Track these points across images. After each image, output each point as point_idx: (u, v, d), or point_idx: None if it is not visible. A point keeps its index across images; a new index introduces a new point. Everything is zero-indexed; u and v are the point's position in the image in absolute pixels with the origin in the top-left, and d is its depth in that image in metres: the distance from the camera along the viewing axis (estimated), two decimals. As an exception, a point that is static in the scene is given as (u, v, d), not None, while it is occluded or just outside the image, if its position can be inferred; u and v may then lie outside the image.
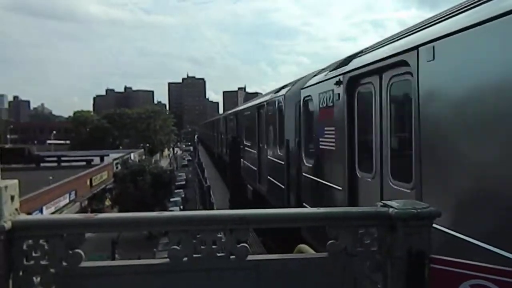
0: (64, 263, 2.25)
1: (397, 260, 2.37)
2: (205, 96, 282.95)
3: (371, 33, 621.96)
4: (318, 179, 7.27)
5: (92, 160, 57.46)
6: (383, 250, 2.45)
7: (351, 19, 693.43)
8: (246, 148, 16.72)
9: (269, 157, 12.47)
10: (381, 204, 2.53)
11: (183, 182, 59.79)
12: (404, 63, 4.34)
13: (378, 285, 2.49)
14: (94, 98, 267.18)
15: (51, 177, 38.09)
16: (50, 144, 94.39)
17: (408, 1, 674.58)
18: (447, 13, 3.98)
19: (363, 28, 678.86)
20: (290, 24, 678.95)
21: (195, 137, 77.50)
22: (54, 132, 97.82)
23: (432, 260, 2.25)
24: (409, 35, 4.53)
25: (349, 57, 6.59)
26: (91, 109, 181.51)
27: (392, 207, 2.42)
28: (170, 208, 37.92)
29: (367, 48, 5.98)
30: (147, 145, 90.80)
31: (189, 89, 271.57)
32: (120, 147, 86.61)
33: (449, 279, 2.16)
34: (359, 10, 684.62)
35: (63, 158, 61.64)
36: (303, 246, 3.97)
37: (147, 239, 33.45)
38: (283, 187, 10.69)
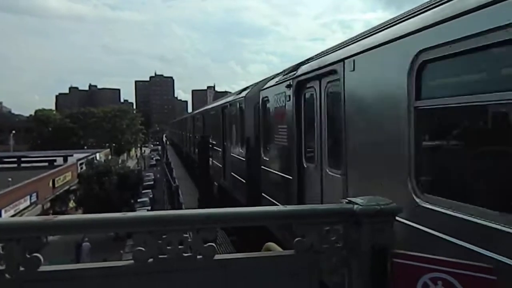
0: (22, 268, 2.15)
1: (362, 255, 2.42)
2: (174, 95, 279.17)
3: (339, 34, 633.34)
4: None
5: (55, 160, 55.58)
6: (348, 246, 2.49)
7: (320, 19, 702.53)
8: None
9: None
10: (346, 201, 2.58)
11: (151, 182, 58.82)
12: (335, 72, 5.28)
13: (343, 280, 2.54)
14: (57, 96, 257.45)
15: (10, 179, 36.58)
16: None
17: (375, 3, 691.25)
18: (364, 34, 4.92)
19: (332, 29, 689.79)
20: (260, 23, 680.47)
21: (164, 136, 76.40)
22: (14, 131, 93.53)
23: (394, 255, 2.31)
24: (340, 49, 5.46)
25: (297, 64, 7.49)
26: (53, 107, 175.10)
27: (356, 203, 2.47)
28: (138, 209, 37.23)
29: (311, 58, 6.92)
30: (114, 144, 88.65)
31: (157, 88, 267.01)
32: (85, 147, 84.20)
33: (409, 273, 2.22)
34: (328, 11, 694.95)
35: (23, 159, 59.28)
36: (270, 244, 3.98)
37: (113, 241, 32.70)
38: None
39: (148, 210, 37.01)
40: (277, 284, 2.47)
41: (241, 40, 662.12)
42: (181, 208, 16.58)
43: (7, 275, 2.12)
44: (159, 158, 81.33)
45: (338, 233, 2.51)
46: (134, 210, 35.19)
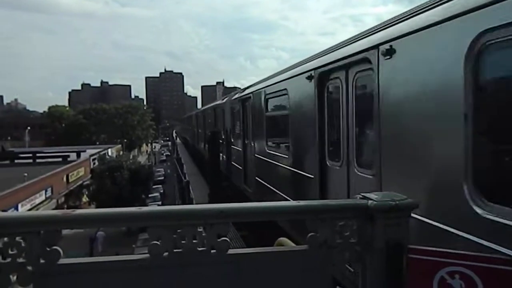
0: (42, 261, 2.20)
1: (376, 251, 2.41)
2: (183, 91, 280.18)
3: (350, 27, 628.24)
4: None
5: (68, 156, 56.30)
6: (362, 241, 2.49)
7: (329, 13, 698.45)
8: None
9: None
10: (360, 196, 2.57)
11: (162, 178, 59.20)
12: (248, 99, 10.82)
13: (357, 276, 2.54)
14: (70, 93, 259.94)
15: (26, 174, 37.18)
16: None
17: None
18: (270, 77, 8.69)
19: (342, 23, 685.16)
20: (269, 18, 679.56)
21: (174, 132, 76.79)
22: (29, 127, 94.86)
23: (409, 250, 2.31)
24: (249, 88, 10.79)
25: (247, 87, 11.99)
26: (66, 104, 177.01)
27: (371, 199, 2.46)
28: (149, 204, 37.55)
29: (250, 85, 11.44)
30: (125, 140, 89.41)
31: (167, 84, 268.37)
32: (97, 143, 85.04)
33: (426, 267, 2.22)
34: (338, 5, 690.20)
35: (38, 155, 60.16)
36: (283, 240, 3.99)
37: (125, 235, 33.07)
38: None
39: (159, 205, 37.32)
40: (290, 280, 2.48)
41: (250, 35, 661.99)
42: (192, 203, 16.69)
43: (28, 268, 2.18)
44: (169, 153, 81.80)
45: (352, 228, 2.51)
46: (145, 205, 35.48)
